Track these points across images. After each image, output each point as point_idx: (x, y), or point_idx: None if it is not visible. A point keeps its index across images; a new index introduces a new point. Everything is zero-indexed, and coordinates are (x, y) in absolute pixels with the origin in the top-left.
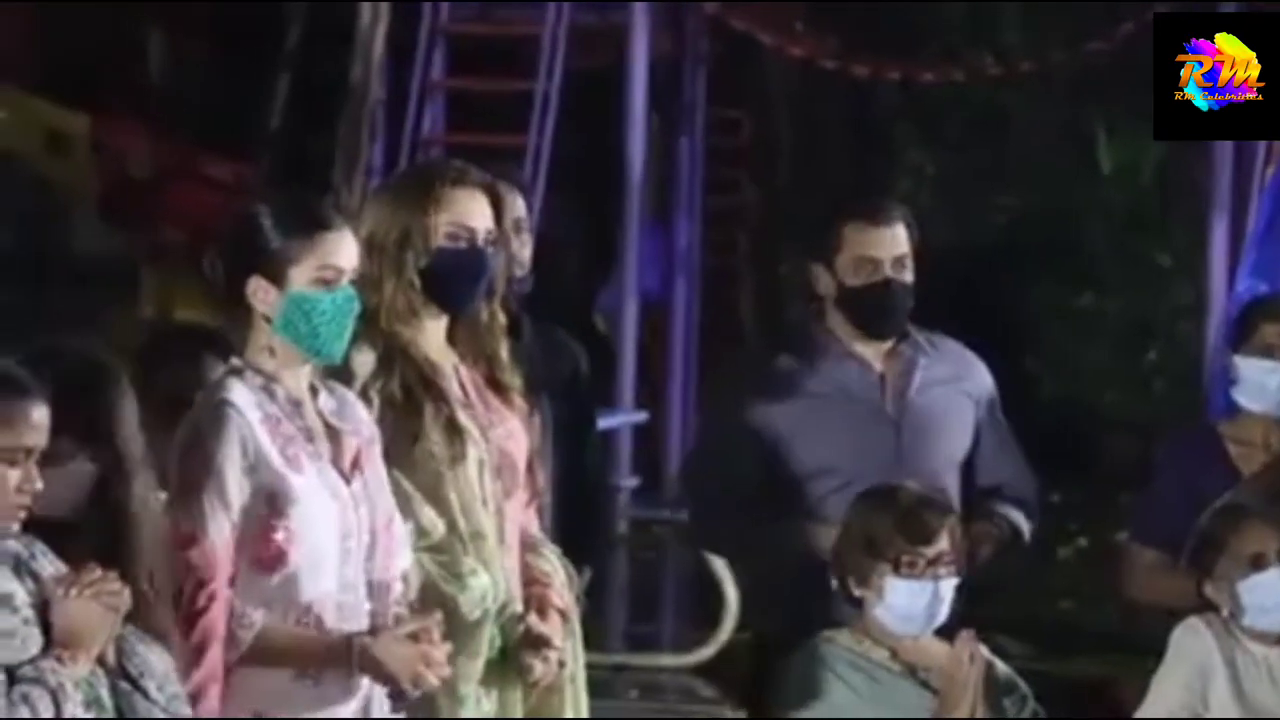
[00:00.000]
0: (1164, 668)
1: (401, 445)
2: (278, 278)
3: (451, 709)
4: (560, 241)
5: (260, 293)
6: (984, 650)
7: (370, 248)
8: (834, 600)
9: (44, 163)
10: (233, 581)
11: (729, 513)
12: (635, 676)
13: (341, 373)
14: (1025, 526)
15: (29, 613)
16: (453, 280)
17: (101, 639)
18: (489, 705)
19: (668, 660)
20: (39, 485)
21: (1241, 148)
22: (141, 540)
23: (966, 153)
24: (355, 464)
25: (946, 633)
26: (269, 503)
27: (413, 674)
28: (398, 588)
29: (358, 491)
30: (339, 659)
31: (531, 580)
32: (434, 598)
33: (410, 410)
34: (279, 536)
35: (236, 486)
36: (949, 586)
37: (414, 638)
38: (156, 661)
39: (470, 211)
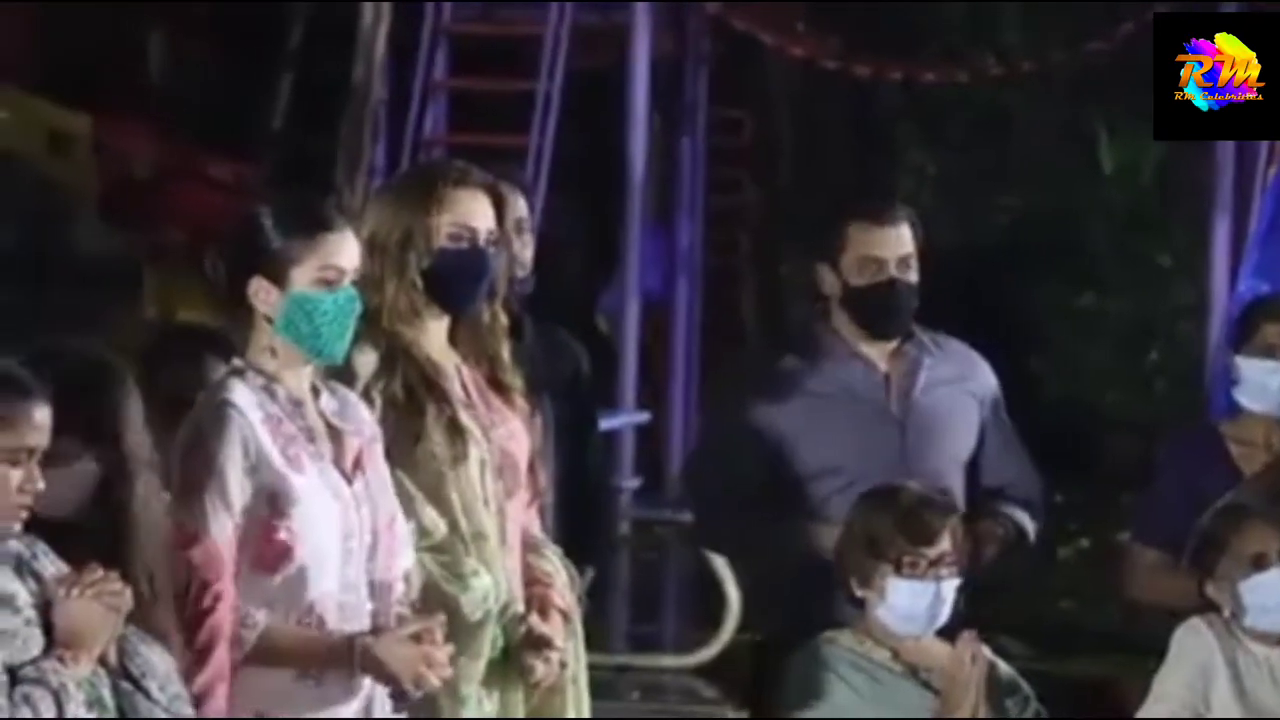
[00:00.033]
0: (1165, 668)
1: (403, 445)
2: (279, 278)
3: (453, 709)
4: (562, 242)
5: (262, 293)
6: (986, 651)
7: (372, 248)
8: (836, 601)
9: (45, 163)
10: (236, 581)
11: (733, 513)
12: (637, 677)
13: (344, 373)
14: (1030, 526)
15: (31, 613)
16: (454, 281)
17: (103, 639)
18: (491, 706)
19: (670, 661)
20: (41, 485)
21: (1243, 148)
22: (143, 541)
23: (968, 153)
24: (357, 464)
25: (948, 633)
26: (271, 503)
27: (415, 674)
28: (399, 588)
29: (359, 491)
30: (341, 659)
31: (533, 581)
32: (436, 598)
33: (412, 410)
34: (281, 537)
35: (238, 487)
36: (951, 587)
37: (416, 638)
38: (158, 661)
39: (472, 212)
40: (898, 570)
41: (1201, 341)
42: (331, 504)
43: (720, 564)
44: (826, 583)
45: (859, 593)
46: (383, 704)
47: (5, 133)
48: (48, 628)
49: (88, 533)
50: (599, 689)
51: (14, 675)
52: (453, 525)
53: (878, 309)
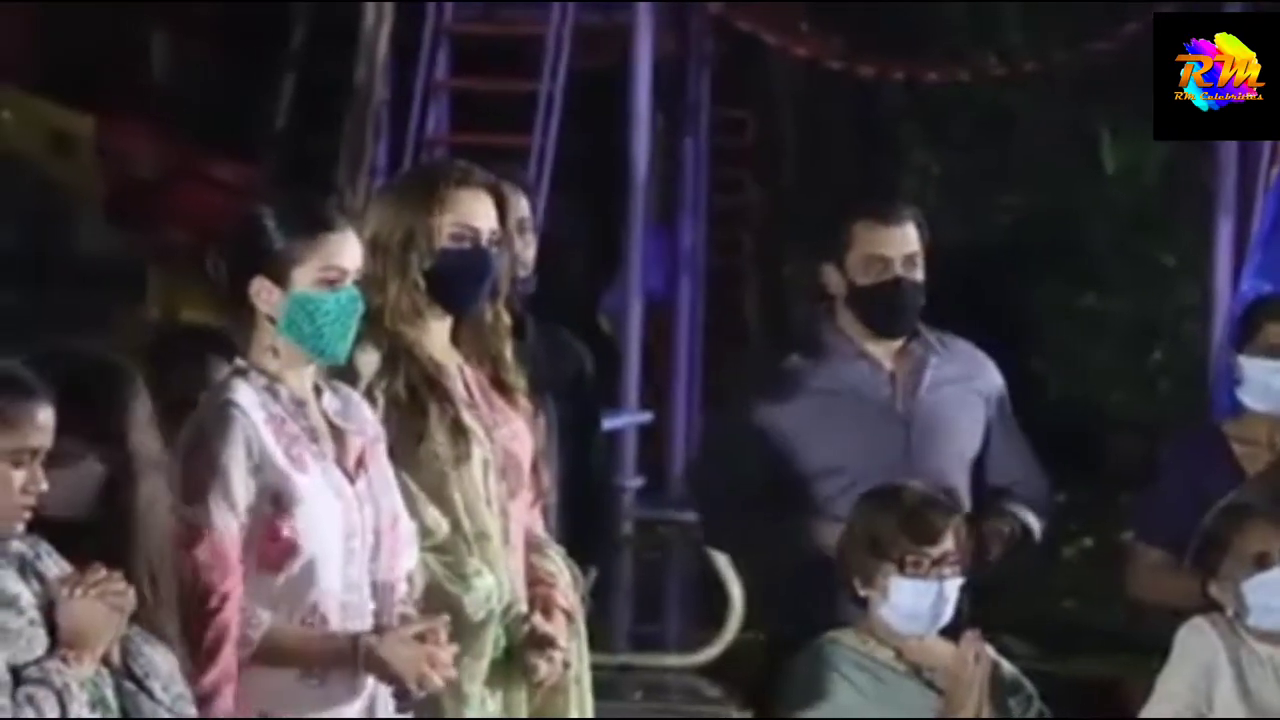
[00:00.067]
0: (1169, 667)
1: (406, 445)
2: (281, 278)
3: (456, 709)
4: (565, 242)
5: (264, 293)
6: (989, 650)
7: (374, 248)
8: (839, 600)
9: (49, 164)
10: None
11: (738, 512)
12: (640, 677)
13: (346, 373)
14: (1036, 526)
15: (34, 613)
16: (457, 281)
17: (106, 639)
18: (494, 706)
19: (673, 660)
20: (44, 486)
21: (1246, 148)
22: (146, 541)
23: (971, 153)
24: (359, 463)
25: (952, 633)
26: (274, 502)
27: (418, 674)
28: (402, 588)
29: (362, 491)
30: (345, 659)
31: (536, 581)
32: (438, 598)
33: (415, 410)
34: (284, 536)
35: (242, 486)
36: (954, 586)
37: (420, 638)
38: (161, 662)
39: (474, 212)
40: (901, 570)
41: (1204, 341)
42: (334, 503)
43: (723, 563)
44: (830, 582)
45: (862, 592)
46: (386, 704)
47: (8, 133)
48: (51, 628)
49: (92, 533)
50: (602, 689)
51: (17, 675)
52: (455, 525)
53: (883, 308)
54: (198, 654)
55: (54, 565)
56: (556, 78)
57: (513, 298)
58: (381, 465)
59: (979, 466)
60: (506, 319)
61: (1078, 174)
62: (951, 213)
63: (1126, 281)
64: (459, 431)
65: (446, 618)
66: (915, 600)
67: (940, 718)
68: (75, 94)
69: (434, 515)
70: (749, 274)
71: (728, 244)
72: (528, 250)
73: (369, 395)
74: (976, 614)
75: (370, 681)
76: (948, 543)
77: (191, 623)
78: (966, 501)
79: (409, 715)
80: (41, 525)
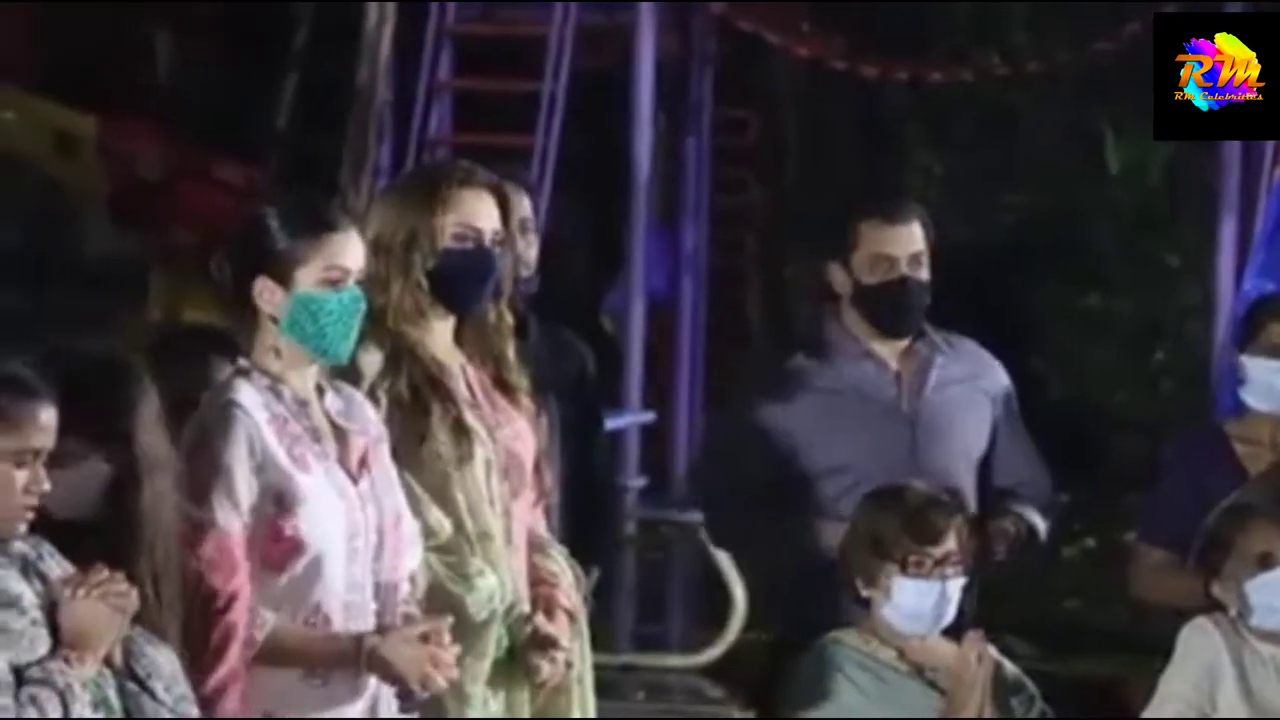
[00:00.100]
0: (1172, 668)
1: (409, 445)
2: (284, 279)
3: (459, 709)
4: (567, 242)
5: (266, 294)
6: (991, 650)
7: (377, 248)
8: (842, 600)
9: (52, 164)
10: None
11: (742, 512)
12: (643, 677)
13: (349, 373)
14: (1042, 526)
15: (37, 614)
16: (460, 281)
17: (109, 640)
18: (496, 706)
19: (675, 661)
20: (47, 486)
21: (1250, 148)
22: (150, 541)
23: (974, 153)
24: (362, 463)
25: (954, 633)
26: (277, 502)
27: (421, 675)
28: (405, 588)
29: (365, 491)
30: (348, 659)
31: (539, 581)
32: (441, 598)
33: (417, 410)
34: (287, 536)
35: (245, 486)
36: (956, 586)
37: (424, 638)
38: (164, 662)
39: (477, 212)
40: (903, 570)
41: (1207, 341)
42: (337, 503)
43: (726, 563)
44: (833, 582)
45: (864, 592)
46: (388, 704)
47: (11, 134)
48: (54, 628)
49: (97, 533)
50: (604, 689)
51: (20, 676)
52: (458, 525)
53: (889, 307)
54: (204, 654)
55: (56, 566)
56: (559, 78)
57: (515, 298)
58: (384, 465)
59: (985, 466)
60: (509, 319)
61: (1081, 174)
62: (954, 213)
63: (1129, 281)
64: (462, 431)
65: (450, 618)
66: (918, 600)
67: (943, 718)
68: (78, 94)
69: (437, 515)
70: (751, 274)
71: (730, 244)
72: (530, 250)
73: (372, 395)
74: (979, 614)
75: (373, 682)
76: (950, 543)
77: (198, 623)
78: (972, 502)
79: (412, 715)
80: (46, 525)
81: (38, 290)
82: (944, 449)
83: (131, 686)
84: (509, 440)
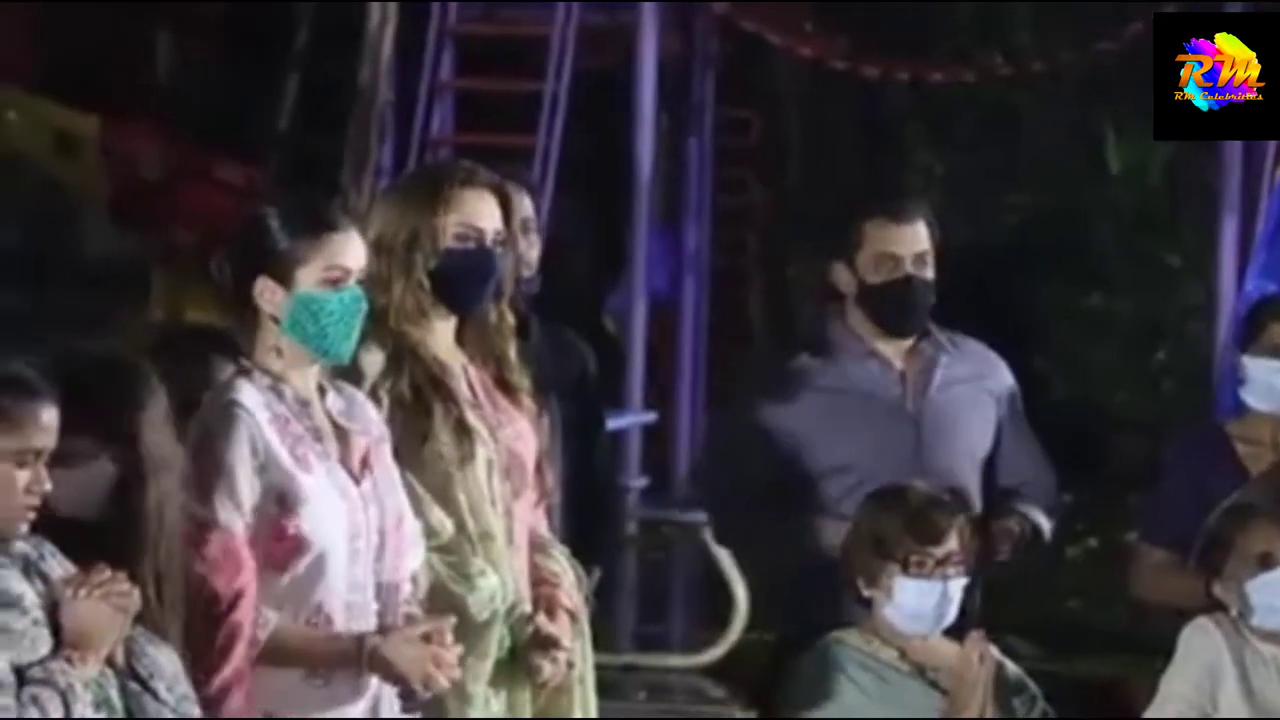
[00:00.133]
0: (1173, 668)
1: (410, 445)
2: (285, 278)
3: (460, 709)
4: (569, 242)
5: (267, 293)
6: (993, 650)
7: (379, 248)
8: (844, 600)
9: (53, 164)
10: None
11: (744, 511)
12: (644, 677)
13: (351, 373)
14: (1046, 526)
15: (38, 614)
16: (461, 281)
17: (111, 640)
18: (497, 706)
19: (676, 661)
20: (48, 486)
21: (1251, 148)
22: (153, 542)
23: (976, 153)
24: (364, 463)
25: (956, 633)
26: (279, 502)
27: (423, 675)
28: (407, 588)
29: (366, 491)
30: (349, 659)
31: (540, 581)
32: (442, 598)
33: (419, 410)
34: (289, 536)
35: (247, 486)
36: (958, 586)
37: (426, 638)
38: (166, 662)
39: (479, 212)
40: (905, 570)
41: (1209, 341)
42: (339, 503)
43: (728, 563)
44: (834, 582)
45: (866, 592)
46: (390, 704)
47: (12, 134)
48: (55, 628)
49: (101, 533)
50: (606, 689)
51: (21, 676)
52: (460, 525)
53: (894, 306)
54: (209, 654)
55: (58, 566)
56: (561, 78)
57: (517, 298)
58: (386, 465)
59: (989, 466)
60: (511, 319)
61: (1082, 174)
62: (956, 213)
63: (1131, 281)
64: (463, 432)
65: (452, 618)
66: (919, 600)
67: (944, 718)
68: (80, 95)
69: (438, 515)
70: (753, 274)
71: (732, 244)
72: (532, 250)
73: (373, 395)
74: (981, 614)
75: (374, 682)
76: (952, 543)
77: (201, 623)
78: (977, 501)
79: (414, 716)
80: (49, 525)
81: (38, 290)
82: (948, 449)
83: (133, 686)
84: (511, 440)
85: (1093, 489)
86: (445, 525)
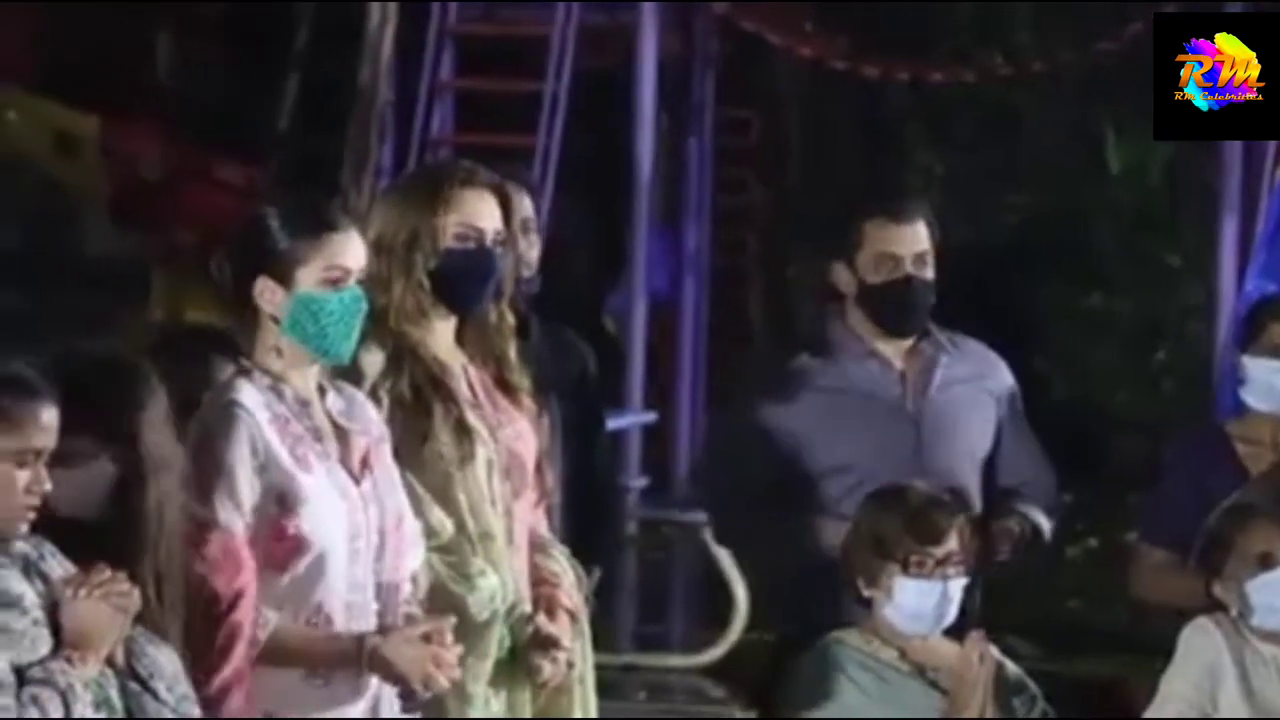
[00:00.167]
0: (1173, 668)
1: (410, 445)
2: (285, 278)
3: (460, 709)
4: (569, 242)
5: (267, 293)
6: (993, 650)
7: (379, 249)
8: (844, 600)
9: (53, 164)
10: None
11: (744, 511)
12: (644, 677)
13: (351, 373)
14: (1046, 526)
15: (38, 614)
16: (461, 281)
17: (111, 640)
18: (497, 705)
19: (677, 661)
20: (48, 486)
21: (1251, 148)
22: (153, 542)
23: (976, 153)
24: (364, 464)
25: (956, 633)
26: (279, 502)
27: (423, 675)
28: (407, 588)
29: (367, 491)
30: (349, 659)
31: (540, 581)
32: (442, 598)
33: (419, 410)
34: (289, 536)
35: (247, 486)
36: (958, 586)
37: (426, 638)
38: (166, 662)
39: (479, 212)
40: (905, 570)
41: (1209, 341)
42: (339, 503)
43: (728, 563)
44: (834, 582)
45: (866, 592)
46: (390, 704)
47: (13, 134)
48: (55, 628)
49: (102, 533)
50: (606, 689)
51: (21, 676)
52: (460, 525)
53: (894, 306)
54: (209, 654)
55: (58, 566)
56: (561, 78)
57: (517, 298)
58: (386, 465)
59: (990, 466)
60: (511, 319)
61: (1082, 174)
62: (956, 213)
63: (1131, 281)
64: (463, 432)
65: (452, 618)
66: (919, 600)
67: (944, 718)
68: (80, 95)
69: (438, 515)
70: (753, 274)
71: (732, 244)
72: (532, 250)
73: (373, 395)
74: (981, 614)
75: (374, 682)
76: (952, 543)
77: (201, 623)
78: (977, 501)
79: (414, 716)
80: (49, 525)
81: (38, 290)
82: (948, 449)
83: (133, 686)
84: (511, 440)
85: (1093, 489)
86: (445, 525)
